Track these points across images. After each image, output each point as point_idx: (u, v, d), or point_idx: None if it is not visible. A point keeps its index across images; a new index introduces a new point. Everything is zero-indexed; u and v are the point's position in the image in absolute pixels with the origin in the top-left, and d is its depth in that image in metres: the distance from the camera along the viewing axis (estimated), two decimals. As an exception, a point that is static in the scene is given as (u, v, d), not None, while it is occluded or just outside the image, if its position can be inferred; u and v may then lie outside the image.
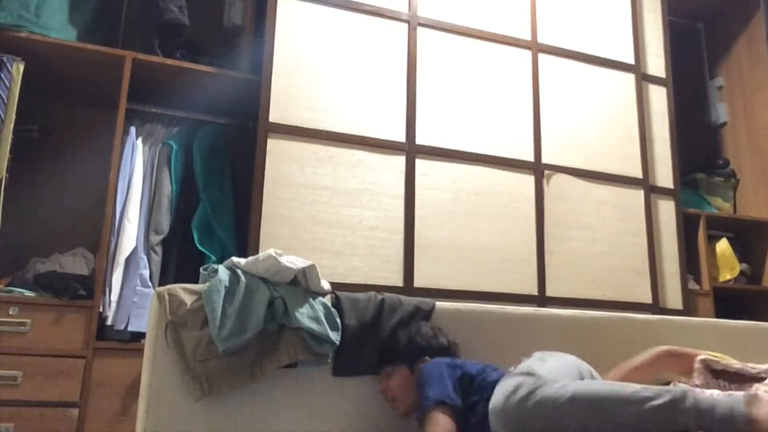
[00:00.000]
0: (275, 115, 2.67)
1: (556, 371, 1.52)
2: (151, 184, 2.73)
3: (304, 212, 2.62)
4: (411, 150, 2.84)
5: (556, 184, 3.07)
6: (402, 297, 1.97)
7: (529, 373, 1.44)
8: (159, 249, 2.65)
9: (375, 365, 1.81)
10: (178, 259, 2.72)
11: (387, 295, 1.96)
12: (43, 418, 2.28)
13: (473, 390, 1.63)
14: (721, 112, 4.03)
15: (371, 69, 2.86)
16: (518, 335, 2.06)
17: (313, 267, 1.82)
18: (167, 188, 2.72)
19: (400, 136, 2.84)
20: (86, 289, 2.45)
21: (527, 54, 3.17)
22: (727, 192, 3.85)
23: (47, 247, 2.76)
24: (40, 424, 2.27)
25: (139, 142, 2.75)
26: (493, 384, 1.59)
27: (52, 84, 2.88)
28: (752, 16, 3.92)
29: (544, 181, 3.04)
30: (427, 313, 1.94)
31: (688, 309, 3.17)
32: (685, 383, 1.71)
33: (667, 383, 1.73)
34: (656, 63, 3.50)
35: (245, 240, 2.60)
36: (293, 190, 2.63)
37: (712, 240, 3.60)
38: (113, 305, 2.49)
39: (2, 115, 2.41)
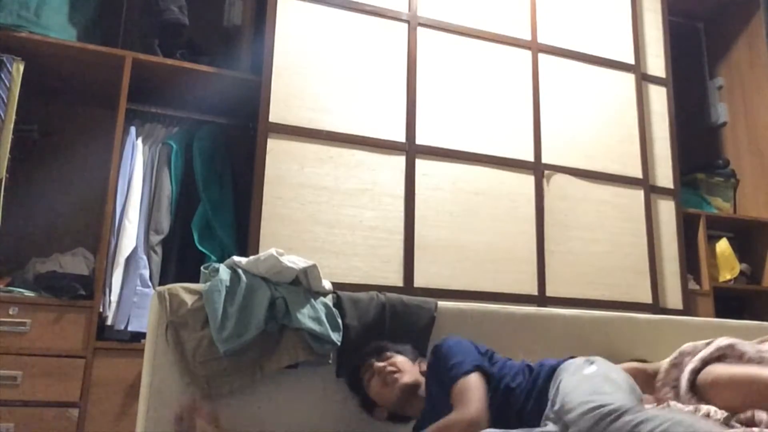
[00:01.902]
0: (275, 115, 2.66)
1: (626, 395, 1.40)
2: (151, 184, 2.72)
3: (304, 212, 2.62)
4: (411, 150, 2.84)
5: (556, 184, 3.07)
6: (404, 297, 1.97)
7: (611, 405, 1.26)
8: (159, 249, 2.65)
9: None
10: (178, 259, 2.72)
11: (389, 295, 1.95)
12: (43, 418, 2.28)
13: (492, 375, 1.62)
14: (721, 112, 4.03)
15: (371, 69, 2.86)
16: (519, 335, 2.06)
17: (314, 267, 1.82)
18: (167, 188, 2.72)
19: (400, 136, 2.84)
20: (86, 289, 2.44)
21: (527, 54, 3.16)
22: (727, 192, 3.85)
23: (47, 247, 2.76)
24: (40, 424, 2.27)
25: (139, 142, 2.74)
26: (506, 375, 1.59)
27: (52, 84, 2.87)
28: (752, 16, 3.92)
29: (544, 181, 3.04)
30: (430, 313, 1.94)
31: (688, 309, 3.17)
32: (651, 400, 1.69)
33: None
34: (656, 63, 3.50)
35: (245, 240, 2.60)
36: (293, 190, 2.63)
37: (712, 240, 3.60)
38: (113, 305, 2.49)
39: (2, 115, 2.41)
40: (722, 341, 1.68)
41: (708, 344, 1.71)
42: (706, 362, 1.64)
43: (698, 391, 1.59)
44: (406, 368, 1.68)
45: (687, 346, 1.76)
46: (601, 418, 1.21)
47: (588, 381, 1.41)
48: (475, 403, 1.45)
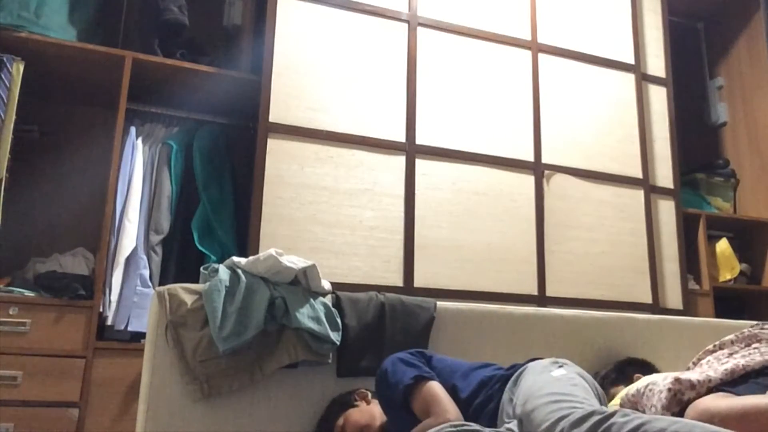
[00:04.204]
0: (275, 115, 2.66)
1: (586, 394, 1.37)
2: (151, 184, 2.73)
3: (304, 212, 2.62)
4: (411, 150, 2.84)
5: (556, 184, 3.07)
6: (403, 297, 1.97)
7: (576, 402, 1.24)
8: (159, 249, 2.65)
9: (378, 366, 1.80)
10: (178, 259, 2.72)
11: (388, 295, 1.96)
12: (43, 418, 2.28)
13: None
14: (721, 112, 4.03)
15: (371, 69, 2.86)
16: (519, 335, 2.06)
17: (313, 267, 1.83)
18: (167, 188, 2.72)
19: (400, 136, 2.84)
20: (86, 289, 2.44)
21: (527, 54, 3.17)
22: (727, 192, 3.85)
23: (47, 247, 2.76)
24: (40, 424, 2.27)
25: (139, 142, 2.75)
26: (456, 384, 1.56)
27: (52, 84, 2.87)
28: (752, 16, 3.92)
29: (544, 181, 3.04)
30: (429, 313, 1.94)
31: (688, 309, 3.17)
32: None
33: None
34: (656, 63, 3.50)
35: (245, 240, 2.60)
36: (293, 190, 2.63)
37: (712, 240, 3.60)
38: (113, 305, 2.49)
39: (2, 115, 2.41)
40: (667, 381, 1.55)
41: (650, 391, 1.57)
42: (669, 409, 1.50)
43: None
44: (365, 421, 1.61)
45: (631, 396, 1.61)
46: (578, 422, 1.14)
47: (555, 383, 1.37)
48: (448, 405, 1.46)
